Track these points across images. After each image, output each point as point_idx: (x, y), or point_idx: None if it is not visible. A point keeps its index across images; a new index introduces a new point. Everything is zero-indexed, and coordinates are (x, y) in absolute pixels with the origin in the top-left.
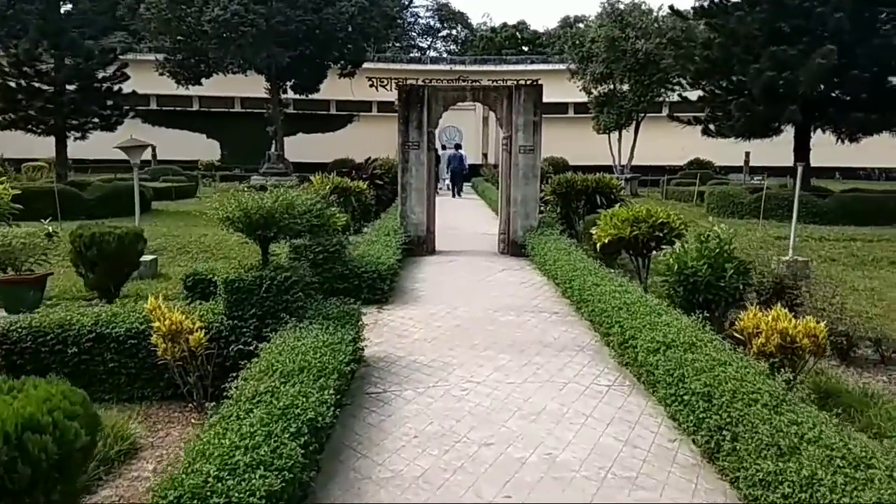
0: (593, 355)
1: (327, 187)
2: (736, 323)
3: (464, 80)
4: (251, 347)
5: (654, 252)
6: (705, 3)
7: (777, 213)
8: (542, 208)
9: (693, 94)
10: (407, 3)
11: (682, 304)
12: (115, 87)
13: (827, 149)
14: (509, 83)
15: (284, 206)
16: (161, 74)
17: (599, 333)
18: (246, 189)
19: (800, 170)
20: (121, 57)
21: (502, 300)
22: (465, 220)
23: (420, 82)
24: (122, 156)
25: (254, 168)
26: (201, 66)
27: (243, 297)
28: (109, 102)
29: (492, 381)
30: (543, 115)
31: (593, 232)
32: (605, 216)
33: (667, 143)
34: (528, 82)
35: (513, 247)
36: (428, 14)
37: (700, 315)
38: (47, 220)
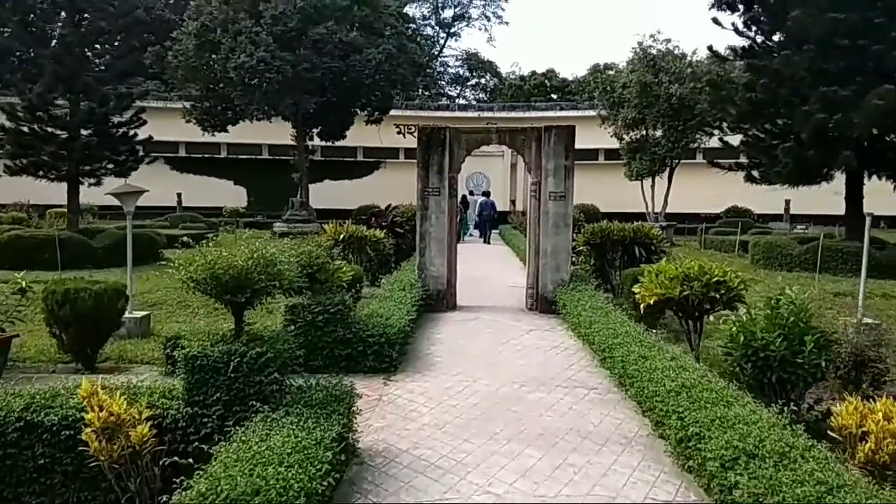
0: (644, 452)
1: (340, 236)
2: (832, 418)
3: (490, 124)
4: (208, 445)
5: (707, 315)
6: (745, 44)
7: (830, 265)
8: (574, 260)
9: (732, 140)
10: (437, 52)
11: (749, 384)
12: (132, 133)
13: (871, 197)
14: (538, 126)
15: (263, 265)
16: (188, 122)
17: (650, 420)
18: (268, 237)
19: (868, 220)
20: (152, 105)
21: (530, 370)
22: (490, 270)
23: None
24: (150, 202)
25: (278, 215)
26: (227, 112)
27: (207, 377)
28: (123, 147)
29: (516, 493)
30: (574, 161)
31: (636, 291)
32: (649, 273)
33: (701, 190)
34: (559, 124)
35: (542, 303)
36: (457, 63)
37: (779, 403)
38: (20, 274)
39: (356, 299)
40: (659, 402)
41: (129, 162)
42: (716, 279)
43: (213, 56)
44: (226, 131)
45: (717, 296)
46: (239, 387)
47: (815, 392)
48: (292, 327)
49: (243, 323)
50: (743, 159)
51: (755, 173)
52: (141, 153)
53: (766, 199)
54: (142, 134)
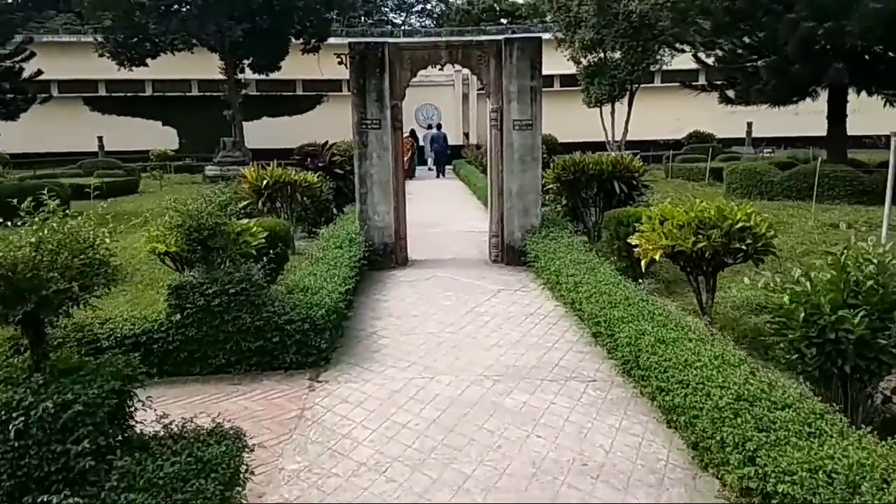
0: (692, 495)
1: (264, 182)
2: None
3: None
4: None
5: (722, 270)
6: None
7: (812, 193)
8: (543, 200)
9: (704, 58)
10: None
11: (811, 376)
12: (17, 68)
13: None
14: (497, 39)
15: (66, 255)
16: (101, 55)
17: (682, 437)
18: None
19: (894, 141)
20: (64, 39)
21: (505, 355)
22: (446, 211)
23: None
24: (69, 147)
25: (211, 157)
26: (146, 44)
27: None
28: (7, 85)
29: None
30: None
31: (634, 242)
32: (650, 219)
33: (660, 115)
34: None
35: (509, 253)
36: None
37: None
38: None
39: (277, 266)
40: (701, 419)
41: (18, 102)
42: (739, 225)
43: None
44: (145, 65)
45: (742, 247)
46: (31, 463)
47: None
48: (178, 316)
49: (45, 346)
50: (703, 80)
51: (731, 93)
52: (34, 93)
53: (728, 122)
54: (48, 71)
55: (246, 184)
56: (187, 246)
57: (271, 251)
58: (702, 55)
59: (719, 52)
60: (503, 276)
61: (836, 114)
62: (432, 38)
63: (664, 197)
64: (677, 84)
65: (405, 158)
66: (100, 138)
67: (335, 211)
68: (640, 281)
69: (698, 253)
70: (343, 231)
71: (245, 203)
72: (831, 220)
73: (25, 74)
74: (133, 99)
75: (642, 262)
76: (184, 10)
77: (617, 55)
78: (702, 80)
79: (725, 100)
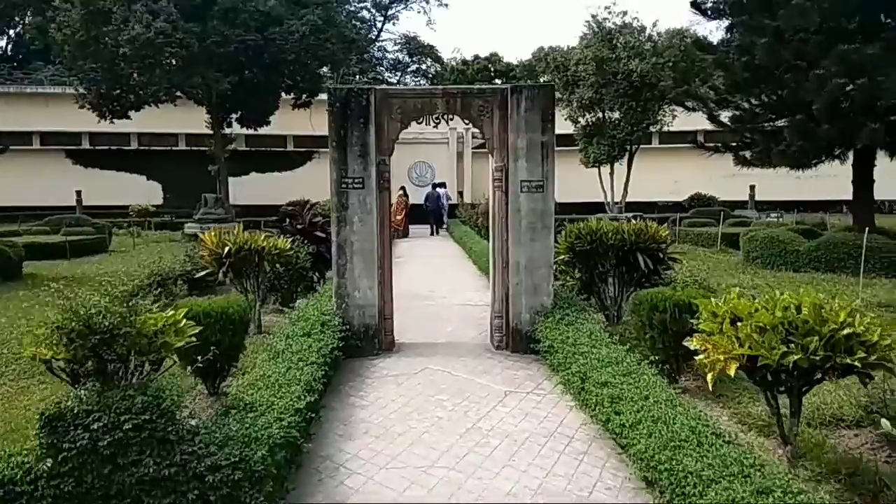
0: None
1: (226, 250)
2: None
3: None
4: None
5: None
6: None
7: (846, 264)
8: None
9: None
10: (374, 37)
11: None
12: None
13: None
14: (502, 87)
15: None
16: (81, 107)
17: None
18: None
19: None
20: (48, 91)
21: None
22: (439, 278)
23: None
24: (46, 202)
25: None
26: (129, 96)
27: None
28: None
29: None
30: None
31: (694, 346)
32: (713, 315)
33: (658, 177)
34: (532, 82)
35: (515, 339)
36: (396, 48)
37: None
38: None
39: (224, 365)
40: None
41: None
42: (845, 331)
43: (105, 28)
44: (128, 118)
45: (853, 362)
46: None
47: None
48: (51, 462)
49: None
50: (701, 141)
51: (748, 154)
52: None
53: (727, 185)
54: (31, 122)
55: (205, 250)
56: (70, 356)
57: (213, 349)
58: (719, 114)
59: (734, 111)
60: (510, 371)
61: (864, 177)
62: (426, 87)
63: (683, 268)
64: (675, 146)
65: (398, 217)
66: (78, 192)
67: (316, 278)
68: (678, 379)
69: (787, 367)
70: (315, 311)
71: (204, 273)
72: (878, 297)
73: None
74: (117, 152)
75: (709, 377)
76: (168, 61)
77: (616, 115)
78: (700, 141)
79: (742, 162)
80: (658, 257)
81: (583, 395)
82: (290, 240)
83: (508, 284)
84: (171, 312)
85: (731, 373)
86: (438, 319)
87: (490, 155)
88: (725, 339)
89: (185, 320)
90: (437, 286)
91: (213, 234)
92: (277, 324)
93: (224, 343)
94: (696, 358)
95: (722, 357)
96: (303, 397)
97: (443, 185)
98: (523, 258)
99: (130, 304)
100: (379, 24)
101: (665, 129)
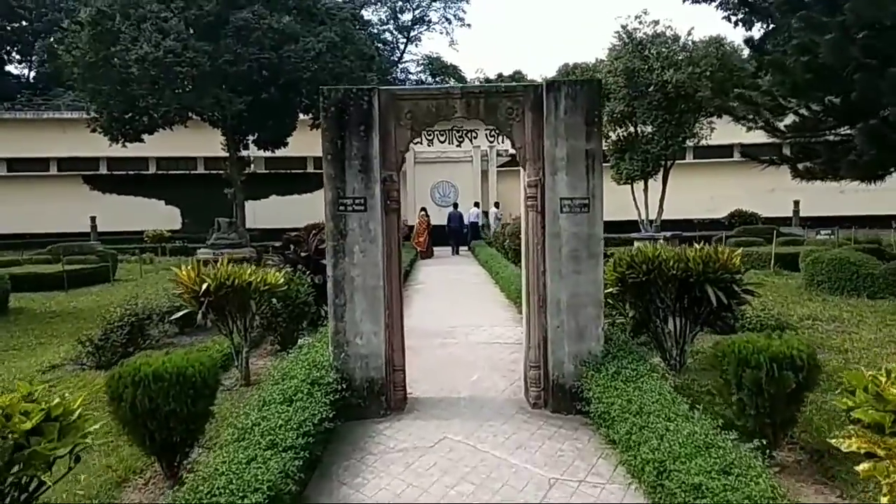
0: None
1: (203, 287)
2: None
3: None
4: None
5: None
6: None
7: None
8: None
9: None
10: (397, 59)
11: None
12: None
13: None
14: (536, 84)
15: None
16: (93, 131)
17: None
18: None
19: None
20: (66, 116)
21: None
22: (462, 309)
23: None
24: (61, 227)
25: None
26: (142, 118)
27: None
28: None
29: None
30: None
31: (852, 448)
32: (868, 392)
33: (694, 193)
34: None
35: (557, 395)
36: (419, 69)
37: None
38: None
39: (180, 451)
40: None
41: None
42: None
43: (113, 49)
44: (141, 141)
45: None
46: None
47: None
48: None
49: None
50: (737, 156)
51: (808, 166)
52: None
53: (767, 200)
54: (48, 148)
55: (180, 287)
56: None
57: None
58: (773, 123)
59: (794, 118)
60: (553, 444)
61: None
62: (442, 86)
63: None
64: (711, 160)
65: (420, 239)
66: (92, 218)
67: (323, 313)
68: (774, 455)
69: None
70: (305, 364)
71: (181, 314)
72: None
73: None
74: (135, 177)
75: (883, 501)
76: (178, 80)
77: (649, 129)
78: (736, 157)
79: (800, 174)
80: (731, 290)
81: (662, 493)
82: (290, 270)
83: (546, 327)
84: (57, 401)
85: None
86: (461, 365)
87: (521, 168)
88: None
89: (79, 410)
90: (460, 319)
91: (190, 267)
92: (274, 368)
93: (182, 413)
94: (860, 467)
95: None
96: None
97: (476, 204)
98: (565, 294)
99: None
100: (402, 47)
101: (702, 143)
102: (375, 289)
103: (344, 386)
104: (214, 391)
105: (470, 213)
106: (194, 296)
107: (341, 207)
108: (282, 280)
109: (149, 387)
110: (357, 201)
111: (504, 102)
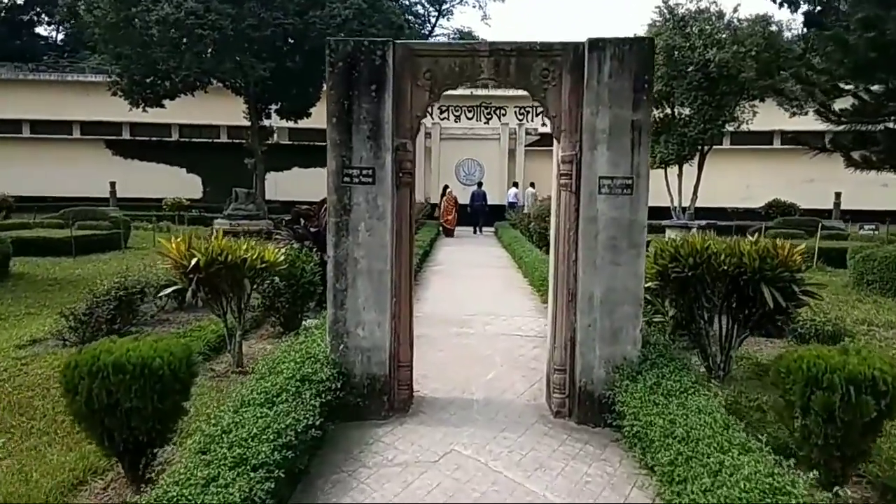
0: None
1: (195, 260)
2: None
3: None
4: None
5: None
6: None
7: None
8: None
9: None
10: (428, 32)
11: None
12: None
13: None
14: (577, 42)
15: None
16: (114, 94)
17: None
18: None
19: None
20: (90, 79)
21: None
22: (481, 293)
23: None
24: (82, 192)
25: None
26: (165, 83)
27: None
28: None
29: None
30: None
31: None
32: None
33: (729, 181)
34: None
35: (584, 404)
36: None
37: None
38: None
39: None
40: None
41: None
42: None
43: (135, 9)
44: (161, 106)
45: None
46: None
47: None
48: None
49: None
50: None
51: (865, 155)
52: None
53: (807, 191)
54: (71, 111)
55: (168, 262)
56: None
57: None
58: (829, 105)
59: (854, 101)
60: (578, 464)
61: None
62: (466, 41)
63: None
64: (747, 147)
65: (449, 217)
66: (112, 184)
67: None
68: (840, 492)
69: None
70: (296, 356)
71: (171, 290)
72: None
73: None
74: (157, 143)
75: None
76: (199, 43)
77: (686, 111)
78: (776, 143)
79: (855, 164)
80: (789, 291)
81: None
82: (298, 246)
83: (576, 325)
84: None
85: None
86: (476, 359)
87: (556, 140)
88: None
89: None
90: (479, 306)
91: (181, 239)
92: (273, 350)
93: (146, 410)
94: None
95: None
96: None
97: (515, 184)
98: (599, 289)
99: None
100: (433, 19)
101: (743, 127)
102: (382, 273)
103: (340, 384)
104: (188, 386)
105: (508, 194)
106: (183, 271)
107: (346, 179)
108: (281, 258)
109: (108, 379)
110: (364, 172)
111: (539, 63)
